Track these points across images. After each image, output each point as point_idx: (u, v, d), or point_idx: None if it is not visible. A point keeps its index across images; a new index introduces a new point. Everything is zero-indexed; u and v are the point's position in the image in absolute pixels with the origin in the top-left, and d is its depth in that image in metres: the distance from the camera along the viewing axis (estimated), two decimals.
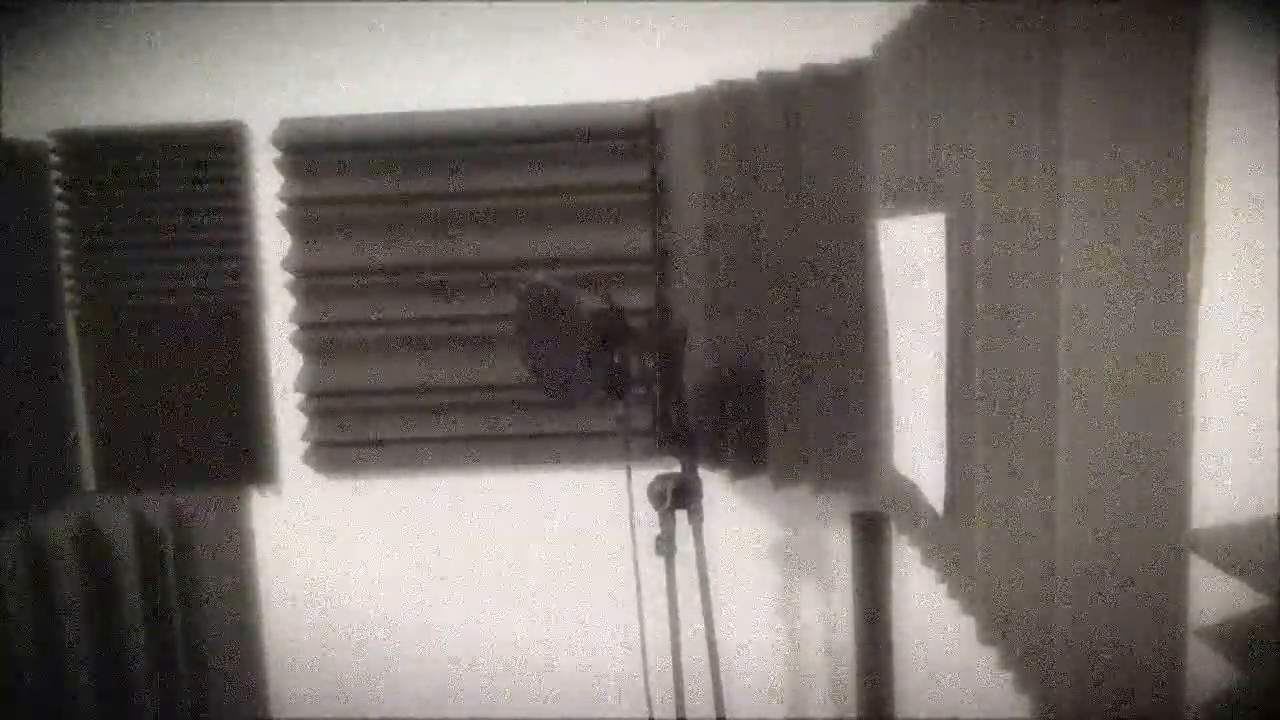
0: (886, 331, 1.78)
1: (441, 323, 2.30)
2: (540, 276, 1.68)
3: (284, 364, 2.36)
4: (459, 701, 2.47)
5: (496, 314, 2.20)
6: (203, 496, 2.36)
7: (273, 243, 2.33)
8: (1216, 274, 1.00)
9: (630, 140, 2.22)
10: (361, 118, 2.24)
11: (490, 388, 2.30)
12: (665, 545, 1.73)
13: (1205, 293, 1.01)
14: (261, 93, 2.27)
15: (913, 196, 1.62)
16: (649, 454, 1.76)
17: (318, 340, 2.34)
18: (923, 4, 1.56)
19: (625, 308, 1.70)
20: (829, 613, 2.39)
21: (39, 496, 2.26)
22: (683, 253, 2.20)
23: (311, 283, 2.31)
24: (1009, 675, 1.36)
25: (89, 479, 2.38)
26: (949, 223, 1.45)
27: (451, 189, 2.25)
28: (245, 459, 2.37)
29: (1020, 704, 1.32)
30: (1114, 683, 1.10)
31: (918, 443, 1.64)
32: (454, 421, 2.34)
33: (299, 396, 2.35)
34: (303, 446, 2.38)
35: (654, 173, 2.23)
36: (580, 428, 2.28)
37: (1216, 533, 1.01)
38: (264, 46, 2.26)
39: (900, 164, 1.70)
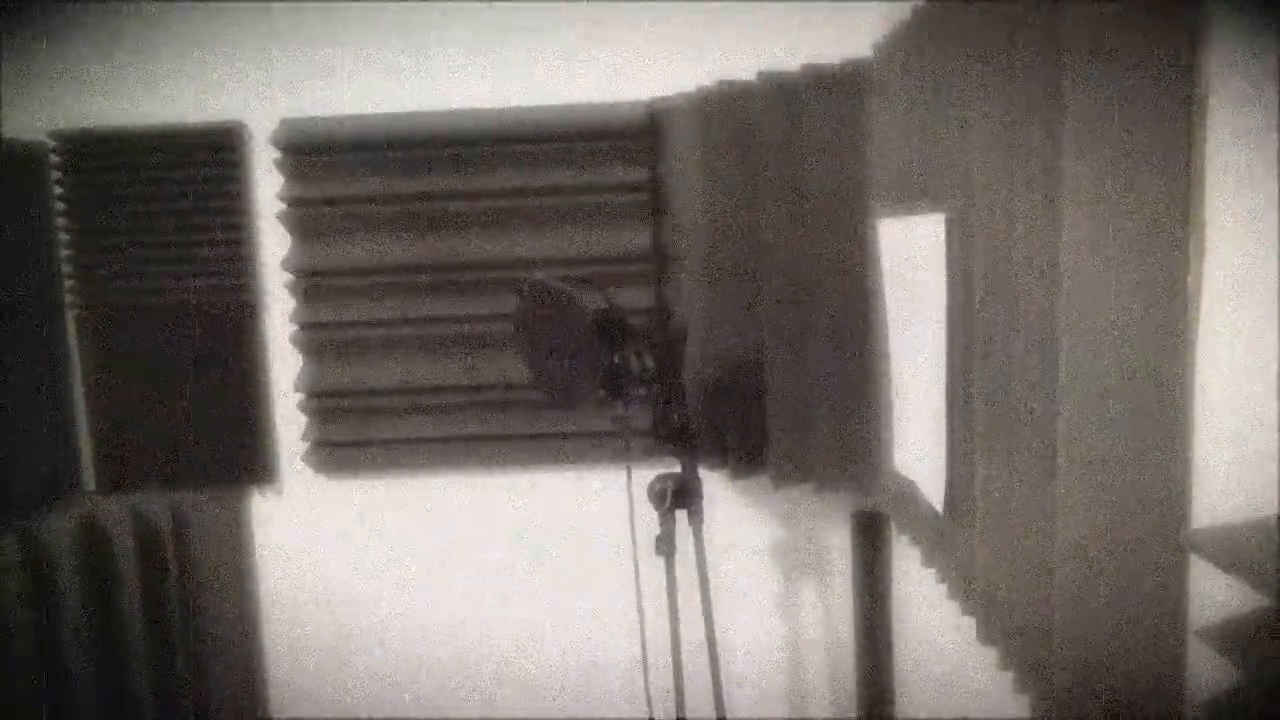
0: (886, 331, 1.78)
1: (442, 323, 2.30)
2: (541, 276, 1.68)
3: (284, 364, 2.36)
4: (459, 701, 2.47)
5: (497, 314, 2.20)
6: (203, 496, 2.36)
7: (273, 243, 2.33)
8: (1216, 274, 1.00)
9: (630, 140, 2.22)
10: (361, 118, 2.24)
11: (490, 388, 2.30)
12: (665, 545, 1.72)
13: (1205, 293, 1.01)
14: (261, 93, 2.27)
15: (913, 196, 1.62)
16: (649, 454, 1.76)
17: (318, 340, 2.34)
18: (923, 4, 1.56)
19: (625, 308, 1.70)
20: (829, 613, 2.39)
21: (39, 496, 2.26)
22: (683, 253, 2.20)
23: (311, 283, 2.31)
24: (1009, 675, 1.36)
25: (89, 479, 2.38)
26: (949, 223, 1.45)
27: (451, 189, 2.25)
28: (245, 459, 2.37)
29: (1020, 704, 1.32)
30: (1114, 683, 1.10)
31: (918, 443, 1.64)
32: (454, 421, 2.34)
33: (299, 396, 2.35)
34: (303, 446, 2.38)
35: (654, 173, 2.23)
36: (580, 428, 2.28)
37: (1216, 533, 1.01)
38: (264, 46, 2.26)
39: (900, 164, 1.70)
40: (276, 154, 2.27)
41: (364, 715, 2.48)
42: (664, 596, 1.74)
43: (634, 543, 1.71)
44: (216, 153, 2.28)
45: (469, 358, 2.31)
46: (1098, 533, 1.10)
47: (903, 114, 1.67)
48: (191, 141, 2.27)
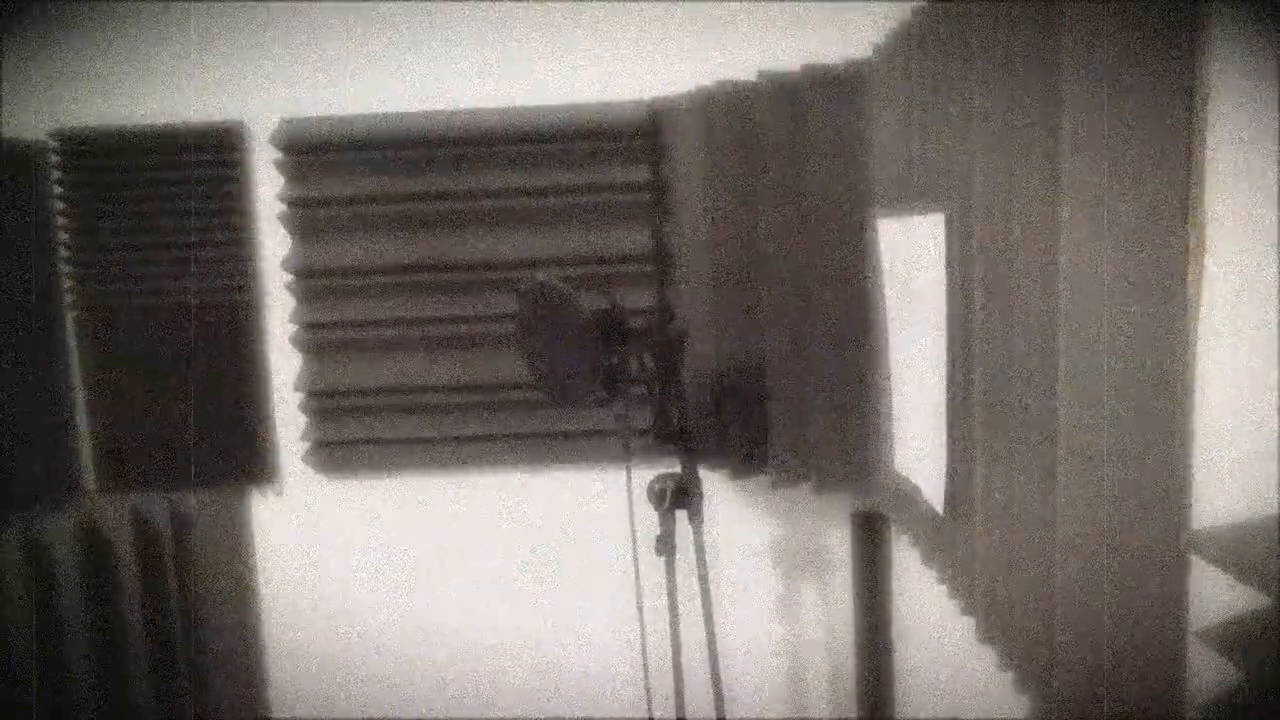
0: (887, 331, 1.78)
1: (442, 323, 2.30)
2: (541, 276, 1.68)
3: (284, 364, 2.36)
4: (459, 701, 2.47)
5: (497, 314, 2.20)
6: (203, 496, 2.36)
7: (273, 243, 2.33)
8: (1216, 274, 1.00)
9: (632, 140, 2.22)
10: (361, 118, 2.24)
11: (490, 388, 2.30)
12: (665, 545, 1.72)
13: (1205, 293, 1.01)
14: (261, 93, 2.27)
15: (912, 196, 1.62)
16: (649, 454, 1.76)
17: (318, 340, 2.34)
18: (923, 4, 1.56)
19: (626, 308, 1.70)
20: (829, 613, 2.39)
21: (39, 496, 2.26)
22: (684, 253, 2.20)
23: (311, 283, 2.31)
24: (1009, 675, 1.36)
25: (89, 479, 2.38)
26: (949, 223, 1.45)
27: (451, 189, 2.25)
28: (245, 459, 2.37)
29: (1020, 704, 1.32)
30: (1114, 683, 1.10)
31: (918, 443, 1.64)
32: (454, 421, 2.34)
33: (299, 396, 2.35)
34: (303, 446, 2.38)
35: (655, 173, 2.23)
36: (580, 428, 2.28)
37: (1216, 533, 1.01)
38: (264, 46, 2.26)
39: (900, 164, 1.70)
40: (276, 154, 2.27)
41: (363, 715, 2.48)
42: (664, 596, 1.74)
43: (634, 543, 1.71)
44: (216, 153, 2.28)
45: (469, 357, 2.31)
46: (1098, 533, 1.10)
47: (903, 114, 1.67)
48: (191, 141, 2.27)
